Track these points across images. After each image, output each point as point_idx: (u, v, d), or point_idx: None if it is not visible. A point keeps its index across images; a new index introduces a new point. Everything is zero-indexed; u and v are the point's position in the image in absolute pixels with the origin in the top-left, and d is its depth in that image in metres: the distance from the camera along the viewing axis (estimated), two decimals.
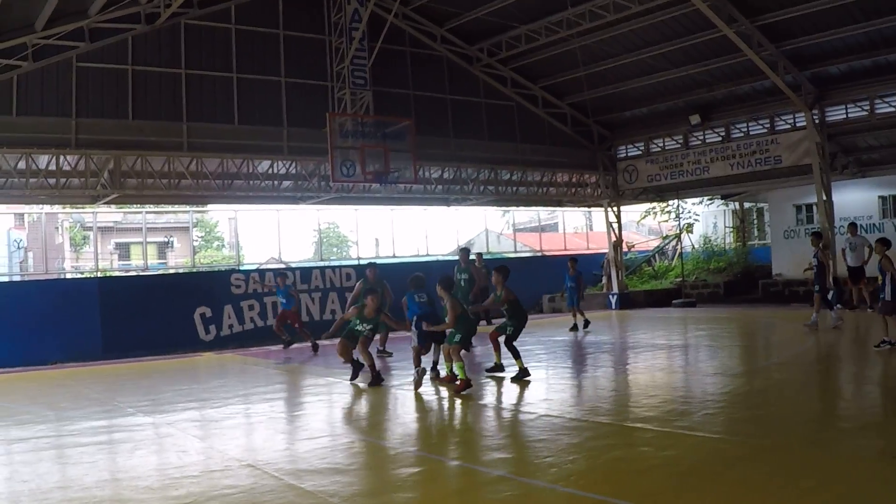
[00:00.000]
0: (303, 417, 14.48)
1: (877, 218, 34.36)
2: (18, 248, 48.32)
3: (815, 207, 33.21)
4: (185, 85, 26.68)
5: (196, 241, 53.91)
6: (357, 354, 16.90)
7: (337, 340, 17.53)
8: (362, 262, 34.90)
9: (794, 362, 18.06)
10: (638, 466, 9.36)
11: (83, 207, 36.17)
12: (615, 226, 38.57)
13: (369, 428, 13.24)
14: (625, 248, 41.30)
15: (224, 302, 27.88)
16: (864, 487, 8.18)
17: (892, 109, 28.71)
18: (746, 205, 45.59)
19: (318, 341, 24.11)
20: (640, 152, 37.10)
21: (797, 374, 16.66)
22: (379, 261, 29.86)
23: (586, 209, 45.88)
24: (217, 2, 27.27)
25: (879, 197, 34.54)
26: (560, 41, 30.61)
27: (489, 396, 15.23)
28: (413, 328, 16.85)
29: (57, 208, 40.19)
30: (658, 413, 12.36)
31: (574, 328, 26.40)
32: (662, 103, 34.37)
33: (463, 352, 16.03)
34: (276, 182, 28.84)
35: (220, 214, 58.08)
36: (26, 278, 41.53)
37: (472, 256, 26.12)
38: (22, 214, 46.38)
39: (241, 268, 33.19)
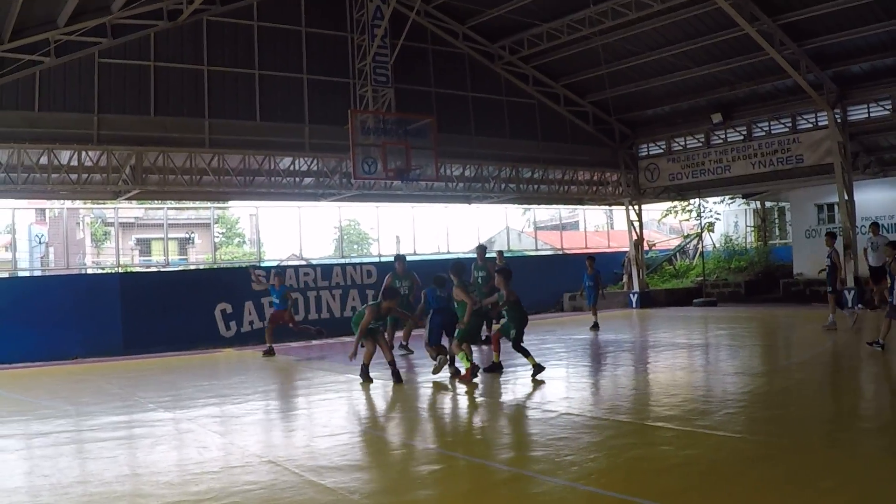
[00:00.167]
0: (323, 414, 14.46)
1: None
2: (40, 243, 48.51)
3: (836, 207, 33.05)
4: (208, 81, 26.74)
5: (217, 237, 54.01)
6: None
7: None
8: (383, 259, 34.97)
9: (815, 362, 18.02)
10: (658, 465, 9.35)
11: (104, 203, 36.34)
12: (636, 224, 38.46)
13: (389, 425, 13.25)
14: (646, 247, 41.18)
15: (245, 298, 27.86)
16: (884, 488, 8.14)
17: None
18: (768, 204, 45.39)
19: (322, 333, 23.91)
20: (661, 151, 37.04)
21: (817, 373, 16.64)
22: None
23: (607, 207, 45.81)
24: None
25: None
26: (582, 39, 30.56)
27: (509, 394, 15.25)
28: (428, 322, 17.23)
29: (78, 204, 40.32)
30: (679, 412, 12.33)
31: (594, 326, 26.30)
32: (684, 102, 34.26)
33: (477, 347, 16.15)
34: (297, 179, 28.79)
35: (241, 211, 58.21)
36: (47, 273, 41.83)
37: (493, 254, 26.11)
38: (43, 209, 46.56)
39: (262, 264, 33.15)
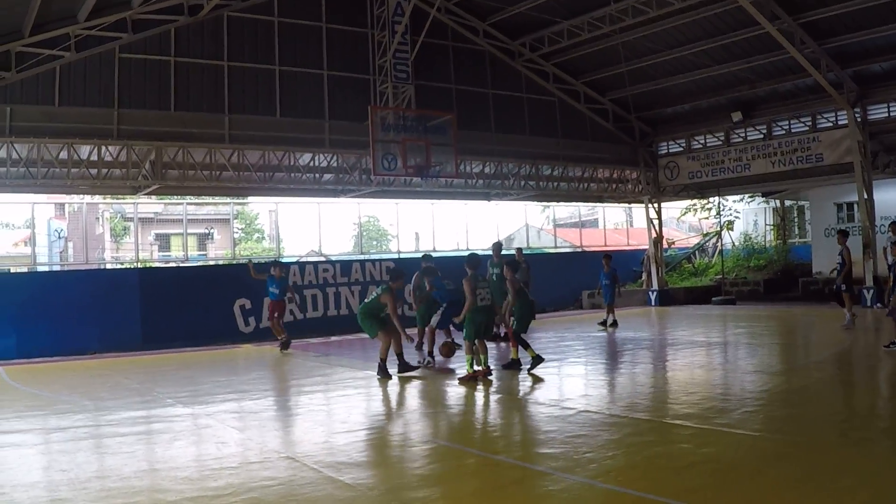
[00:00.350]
0: (341, 410, 14.45)
1: None
2: (59, 237, 48.60)
3: (856, 206, 33.02)
4: (228, 77, 26.78)
5: (236, 233, 54.20)
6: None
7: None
8: (402, 255, 35.02)
9: (833, 361, 18.02)
10: (677, 463, 9.35)
11: (124, 198, 36.39)
12: (655, 222, 38.41)
13: (408, 421, 13.23)
14: (665, 245, 41.14)
15: (264, 294, 27.79)
16: None
17: None
18: (787, 202, 45.30)
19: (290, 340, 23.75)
20: (681, 149, 37.00)
21: (836, 372, 16.64)
22: (419, 255, 29.79)
23: (627, 205, 45.87)
24: None
25: None
26: (602, 37, 30.58)
27: (528, 392, 15.20)
28: (441, 312, 18.22)
29: (98, 198, 40.42)
30: (697, 410, 12.31)
31: (614, 324, 26.21)
32: (704, 100, 34.20)
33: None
34: (317, 175, 28.77)
35: (260, 206, 58.38)
36: (66, 268, 41.84)
37: (512, 251, 26.07)
38: (63, 204, 46.70)
39: (281, 260, 33.15)
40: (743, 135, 34.29)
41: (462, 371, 16.58)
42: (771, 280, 38.47)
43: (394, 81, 28.27)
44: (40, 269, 36.56)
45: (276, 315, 23.66)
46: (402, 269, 18.89)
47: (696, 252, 45.71)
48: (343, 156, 28.81)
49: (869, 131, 30.16)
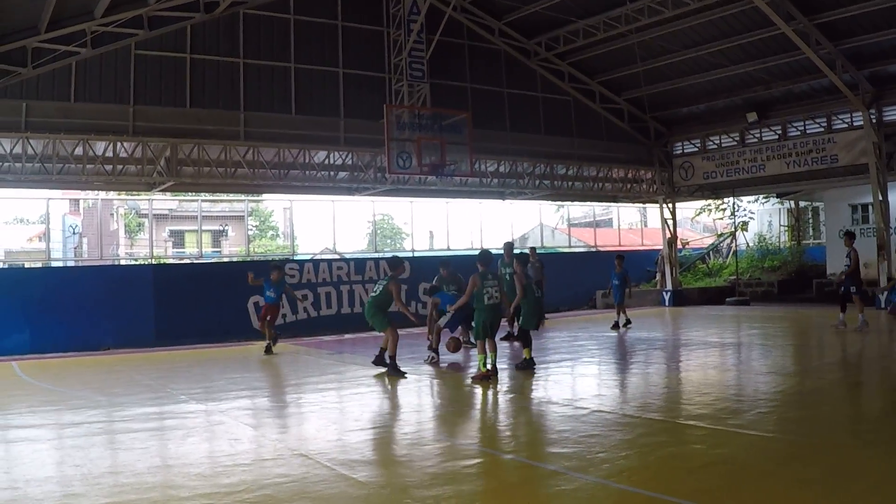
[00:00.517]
0: (355, 408, 14.44)
1: None
2: (73, 233, 48.76)
3: (870, 207, 32.90)
4: (243, 74, 26.81)
5: (251, 230, 54.24)
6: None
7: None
8: (416, 254, 35.02)
9: (847, 362, 18.06)
10: (690, 464, 9.33)
11: (139, 194, 36.42)
12: (670, 222, 38.39)
13: (421, 420, 13.24)
14: (679, 245, 41.10)
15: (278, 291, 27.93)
16: None
17: None
18: (802, 203, 45.19)
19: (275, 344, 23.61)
20: (696, 149, 36.97)
21: (850, 374, 16.64)
22: (433, 253, 29.77)
23: (641, 205, 45.79)
24: None
25: None
26: (618, 36, 30.55)
27: (542, 391, 15.19)
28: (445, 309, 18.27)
29: (112, 195, 40.43)
30: (710, 411, 12.27)
31: (627, 323, 26.16)
32: (720, 100, 34.17)
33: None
34: (331, 172, 28.83)
35: (275, 204, 58.50)
36: (80, 264, 41.97)
37: (526, 250, 26.05)
38: (77, 200, 46.79)
39: (296, 257, 33.16)
40: (758, 135, 34.28)
41: (474, 370, 16.57)
42: (785, 281, 38.40)
43: (409, 80, 28.28)
44: (54, 264, 36.59)
45: (268, 318, 23.48)
46: (400, 257, 19.13)
47: (711, 252, 45.65)
48: (358, 154, 28.85)
49: (884, 133, 30.05)
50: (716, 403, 12.94)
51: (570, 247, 45.39)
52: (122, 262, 42.60)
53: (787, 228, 46.16)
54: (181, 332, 25.91)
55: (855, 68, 28.68)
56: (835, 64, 28.01)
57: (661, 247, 39.27)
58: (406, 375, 16.95)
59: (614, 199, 40.91)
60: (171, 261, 40.28)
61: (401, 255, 34.63)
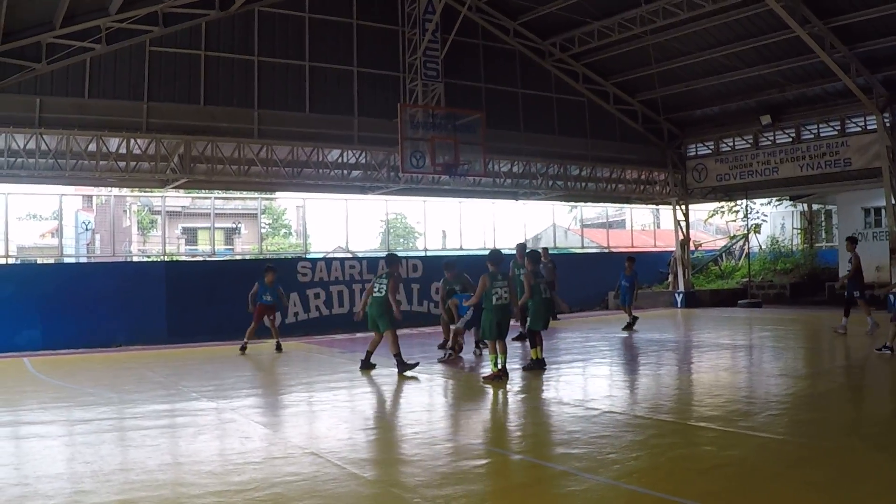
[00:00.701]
0: (366, 407, 14.49)
1: None
2: (86, 229, 48.81)
3: (883, 211, 32.89)
4: (258, 72, 26.82)
5: (263, 228, 54.19)
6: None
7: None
8: (429, 253, 34.97)
9: (859, 365, 18.09)
10: (700, 465, 9.35)
11: (152, 191, 36.42)
12: (683, 224, 38.38)
13: (432, 419, 13.22)
14: (692, 247, 41.08)
15: (290, 289, 27.82)
16: None
17: None
18: (815, 206, 45.17)
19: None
20: (709, 151, 36.93)
21: (862, 377, 16.69)
22: (446, 253, 29.75)
23: (654, 207, 45.77)
24: None
25: None
26: (633, 38, 30.48)
27: (553, 392, 15.19)
28: (465, 313, 18.63)
29: (125, 191, 40.47)
30: (721, 413, 12.30)
31: (627, 326, 26.19)
32: (733, 103, 34.12)
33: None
34: (345, 171, 28.86)
35: (288, 202, 58.41)
36: (93, 260, 42.02)
37: (538, 250, 26.08)
38: (90, 196, 46.82)
39: (308, 256, 33.16)
40: (771, 138, 34.20)
41: (486, 370, 16.57)
42: (797, 284, 38.42)
43: (423, 79, 28.28)
44: (67, 260, 36.62)
45: (268, 317, 23.34)
46: (396, 254, 19.38)
47: (723, 254, 45.64)
48: (371, 152, 28.86)
49: None
50: (727, 405, 12.97)
51: (582, 248, 45.34)
52: (135, 259, 42.59)
53: (799, 231, 46.15)
54: (193, 330, 25.92)
55: (869, 72, 28.59)
56: (849, 67, 27.93)
57: (673, 248, 39.29)
58: (419, 363, 17.10)
59: (627, 201, 40.90)
60: (183, 258, 40.32)
61: (413, 254, 34.66)
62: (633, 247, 43.46)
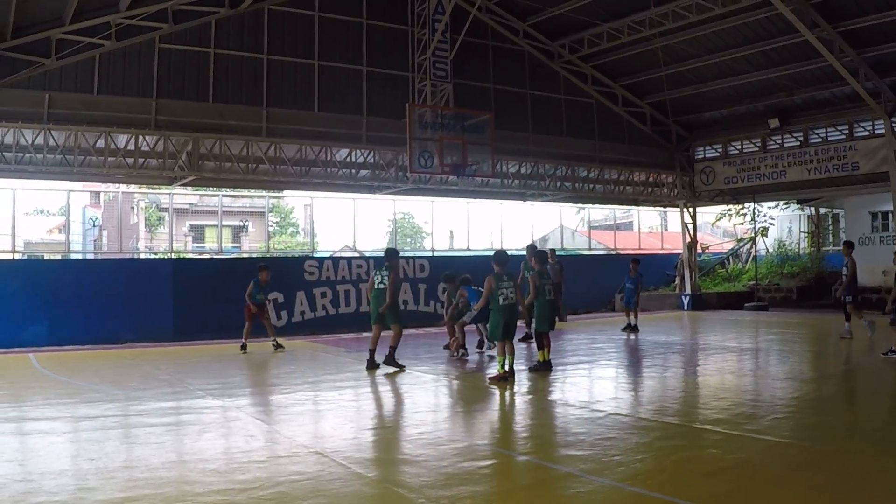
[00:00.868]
0: (371, 406, 14.50)
1: None
2: (94, 225, 48.94)
3: (891, 215, 33.03)
4: (267, 70, 26.85)
5: (271, 226, 54.32)
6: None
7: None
8: (436, 253, 34.98)
9: (865, 369, 18.01)
10: (705, 468, 9.34)
11: (160, 188, 36.50)
12: (690, 227, 38.38)
13: (438, 420, 13.17)
14: (699, 250, 41.09)
15: (296, 288, 27.92)
16: None
17: None
18: (822, 210, 45.19)
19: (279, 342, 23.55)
20: (717, 154, 36.98)
21: (867, 381, 16.63)
22: (453, 253, 29.74)
23: (662, 209, 45.71)
24: None
25: None
26: (642, 40, 30.43)
27: (558, 393, 15.14)
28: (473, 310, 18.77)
29: (133, 188, 40.62)
30: (727, 416, 12.29)
31: (626, 328, 26.24)
32: (742, 106, 34.16)
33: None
34: (353, 170, 28.82)
35: (295, 200, 58.56)
36: (100, 257, 42.08)
37: (546, 251, 26.08)
38: (98, 193, 46.95)
39: (315, 254, 33.17)
40: (780, 141, 34.23)
41: (492, 371, 16.57)
42: (804, 287, 38.40)
43: (432, 79, 28.27)
44: (74, 256, 36.76)
45: (263, 315, 23.32)
46: (395, 249, 19.50)
47: (730, 257, 45.63)
48: (380, 152, 28.87)
49: None
50: (732, 408, 12.96)
51: (590, 249, 45.31)
52: (142, 256, 42.58)
53: (807, 235, 46.09)
54: (199, 327, 25.93)
55: (878, 77, 28.58)
56: (857, 72, 27.94)
57: (680, 251, 39.27)
58: (405, 369, 17.19)
59: (635, 203, 40.92)
60: (190, 255, 40.26)
61: (421, 254, 34.69)
62: (640, 249, 43.41)
